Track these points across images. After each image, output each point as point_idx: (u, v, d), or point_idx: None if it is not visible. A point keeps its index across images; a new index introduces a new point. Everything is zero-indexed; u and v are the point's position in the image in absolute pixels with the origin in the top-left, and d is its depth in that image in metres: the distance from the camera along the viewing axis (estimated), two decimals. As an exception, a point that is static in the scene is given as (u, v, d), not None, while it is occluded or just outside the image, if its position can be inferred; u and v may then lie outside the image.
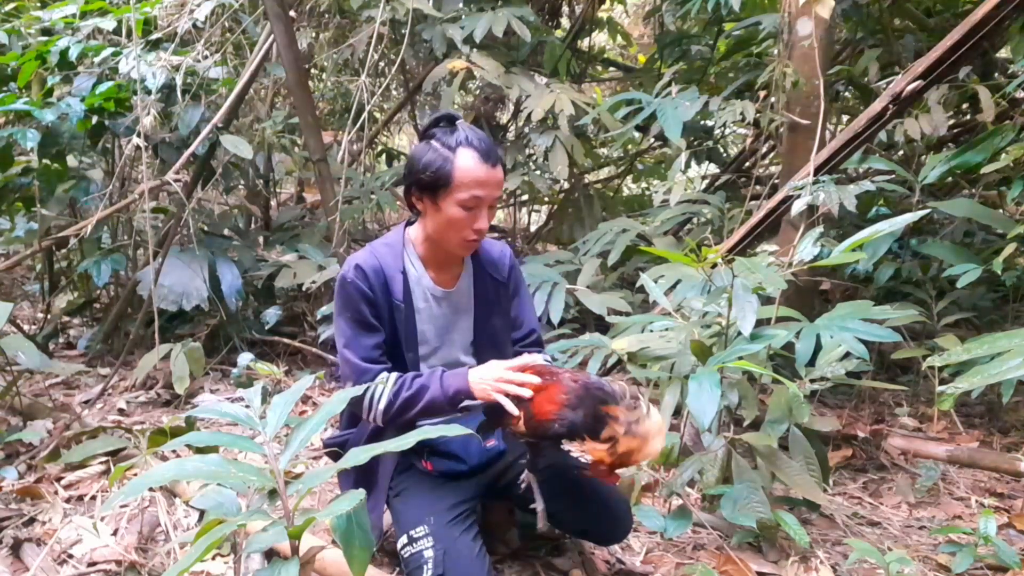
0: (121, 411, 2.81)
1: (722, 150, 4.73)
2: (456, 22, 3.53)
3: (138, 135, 2.82)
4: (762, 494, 1.89)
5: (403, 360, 1.69)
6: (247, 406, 1.24)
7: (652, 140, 4.68)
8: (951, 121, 3.52)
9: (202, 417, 2.43)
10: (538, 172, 3.82)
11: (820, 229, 1.98)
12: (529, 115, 3.50)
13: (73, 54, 2.98)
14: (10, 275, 4.30)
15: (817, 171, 2.49)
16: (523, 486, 1.63)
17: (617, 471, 1.47)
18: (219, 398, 2.94)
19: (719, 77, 4.51)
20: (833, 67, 3.03)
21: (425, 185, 1.60)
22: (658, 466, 2.25)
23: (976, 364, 1.33)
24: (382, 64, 4.48)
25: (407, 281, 1.69)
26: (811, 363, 2.11)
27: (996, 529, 1.86)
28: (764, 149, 4.21)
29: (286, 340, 3.46)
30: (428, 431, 1.10)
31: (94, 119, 3.07)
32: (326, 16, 4.14)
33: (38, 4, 3.69)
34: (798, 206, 2.39)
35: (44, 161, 3.10)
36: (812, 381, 2.09)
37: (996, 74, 3.52)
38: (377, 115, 5.12)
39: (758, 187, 3.42)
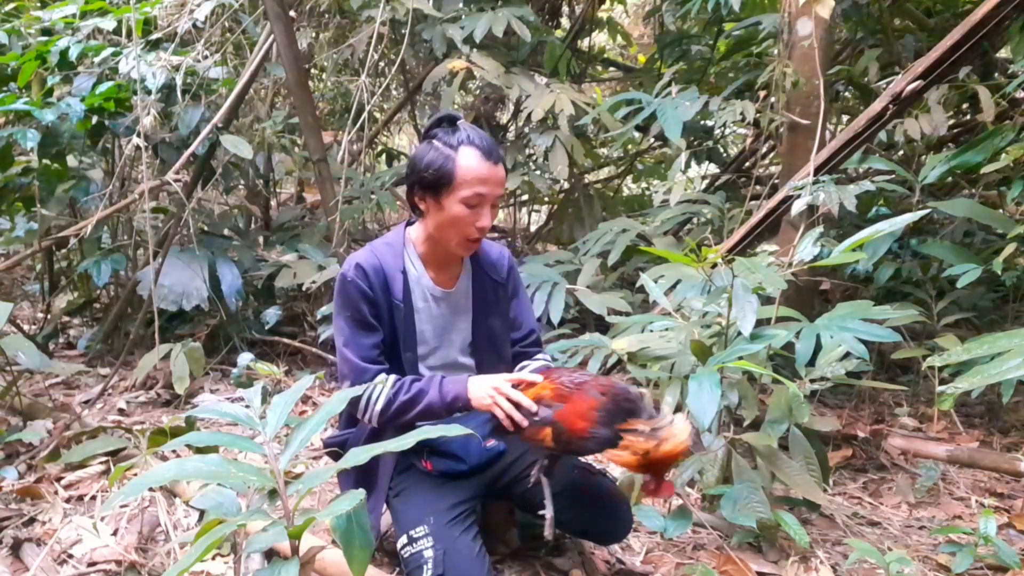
0: (121, 411, 2.81)
1: (722, 150, 4.73)
2: (456, 22, 3.53)
3: (138, 135, 2.82)
4: (762, 494, 1.89)
5: (400, 360, 1.69)
6: (247, 406, 1.24)
7: (652, 140, 4.68)
8: (951, 121, 3.52)
9: (202, 417, 2.43)
10: (538, 172, 3.82)
11: (820, 229, 1.98)
12: (529, 115, 3.50)
13: (73, 54, 2.98)
14: (10, 275, 4.30)
15: (817, 171, 2.49)
16: (532, 481, 1.63)
17: (664, 481, 1.48)
18: (219, 398, 2.94)
19: (719, 77, 4.51)
20: (833, 67, 3.03)
21: (428, 184, 1.60)
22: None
23: (976, 364, 1.33)
24: (382, 64, 4.49)
25: (407, 281, 1.69)
26: (811, 363, 2.10)
27: (996, 529, 1.86)
28: (764, 149, 4.21)
29: (286, 340, 3.46)
30: (428, 431, 1.10)
31: (94, 119, 3.07)
32: (326, 16, 4.14)
33: (38, 4, 3.69)
34: (798, 206, 2.39)
35: (44, 161, 3.10)
36: (812, 381, 2.09)
37: (996, 74, 3.52)
38: (377, 115, 5.12)
39: (758, 187, 3.42)
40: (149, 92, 2.90)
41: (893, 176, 2.83)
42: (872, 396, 3.10)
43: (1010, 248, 2.63)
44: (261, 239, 4.00)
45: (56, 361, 3.01)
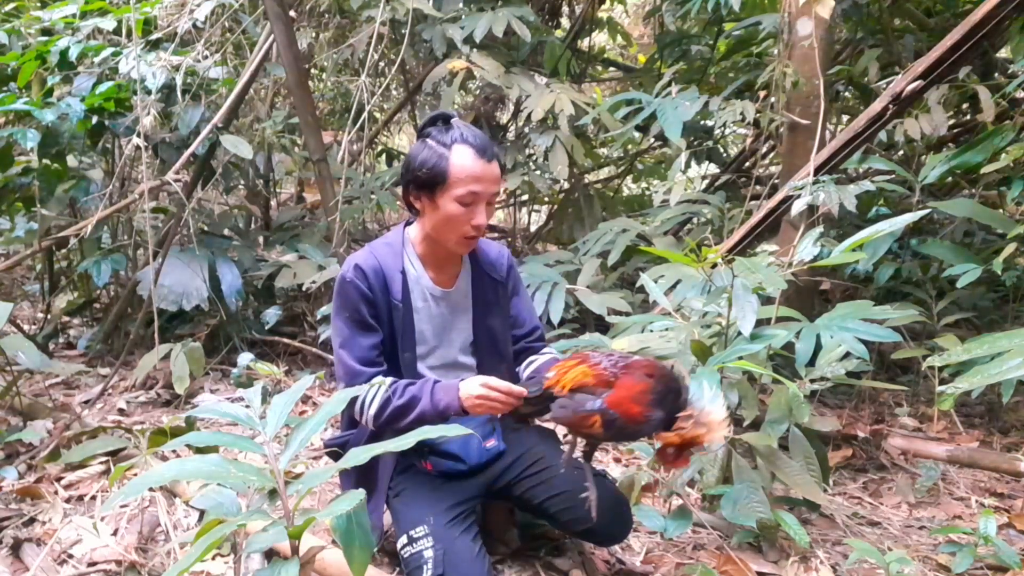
0: (121, 411, 2.81)
1: (722, 150, 4.73)
2: (456, 22, 3.53)
3: (138, 135, 2.82)
4: (762, 494, 1.89)
5: (399, 361, 1.69)
6: (247, 406, 1.24)
7: (652, 140, 4.68)
8: (951, 121, 3.52)
9: (202, 417, 2.43)
10: (538, 172, 3.82)
11: (820, 229, 1.98)
12: (529, 115, 3.49)
13: (73, 54, 2.97)
14: (10, 275, 4.29)
15: (817, 171, 2.49)
16: (562, 470, 1.64)
17: (685, 455, 1.48)
18: (219, 398, 2.94)
19: (719, 77, 4.51)
20: (833, 67, 3.03)
21: (422, 183, 1.60)
22: (658, 466, 2.25)
23: (976, 364, 1.33)
24: (382, 64, 4.48)
25: (406, 281, 1.69)
26: (811, 363, 2.10)
27: (996, 529, 1.86)
28: (764, 149, 4.20)
29: (286, 340, 3.46)
30: (428, 431, 1.10)
31: (94, 119, 3.07)
32: (326, 16, 4.14)
33: (38, 4, 3.69)
34: (798, 206, 2.39)
35: (44, 161, 3.10)
36: (812, 381, 2.09)
37: (996, 74, 3.52)
38: (377, 115, 5.12)
39: (758, 187, 3.42)
40: (149, 92, 2.90)
41: (893, 176, 2.83)
42: (872, 396, 3.10)
43: (1010, 248, 2.63)
44: (261, 239, 4.00)
45: (56, 361, 3.01)
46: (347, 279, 1.65)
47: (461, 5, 3.73)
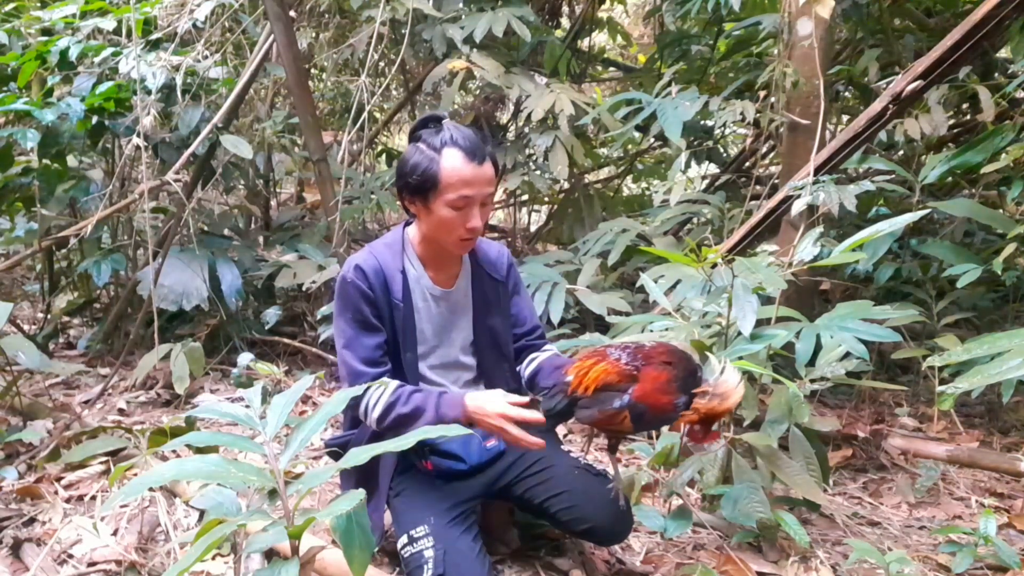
0: (121, 411, 2.81)
1: (722, 150, 4.73)
2: (456, 22, 3.53)
3: (138, 135, 2.82)
4: (762, 494, 1.89)
5: (401, 361, 1.69)
6: (247, 406, 1.24)
7: (652, 140, 4.68)
8: (951, 121, 3.52)
9: (202, 417, 2.42)
10: (538, 172, 3.82)
11: (820, 229, 1.98)
12: (529, 115, 3.49)
13: (73, 54, 2.97)
14: (10, 275, 4.29)
15: (817, 171, 2.49)
16: (582, 460, 1.71)
17: (713, 430, 1.52)
18: (219, 398, 2.94)
19: (719, 77, 4.51)
20: (833, 67, 3.03)
21: (414, 188, 1.60)
22: (657, 466, 2.25)
23: (976, 364, 1.33)
24: (382, 64, 4.48)
25: (406, 280, 1.69)
26: (811, 363, 2.10)
27: (996, 529, 1.86)
28: (764, 149, 4.21)
29: (286, 340, 3.46)
30: (428, 431, 1.11)
31: (94, 119, 3.07)
32: (326, 16, 4.14)
33: (38, 4, 3.69)
34: (798, 206, 2.39)
35: (44, 161, 3.10)
36: (812, 381, 2.09)
37: (996, 74, 3.52)
38: (377, 115, 5.12)
39: (758, 187, 3.43)
40: (149, 92, 2.90)
41: (893, 176, 2.83)
42: (872, 396, 3.10)
43: (1010, 248, 2.63)
44: (261, 239, 4.00)
45: (56, 361, 3.01)
46: (347, 280, 1.64)
47: (461, 5, 3.72)
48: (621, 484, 1.62)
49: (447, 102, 3.60)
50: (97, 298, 3.74)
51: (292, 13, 3.26)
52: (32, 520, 1.94)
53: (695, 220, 3.76)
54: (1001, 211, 3.15)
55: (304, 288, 3.21)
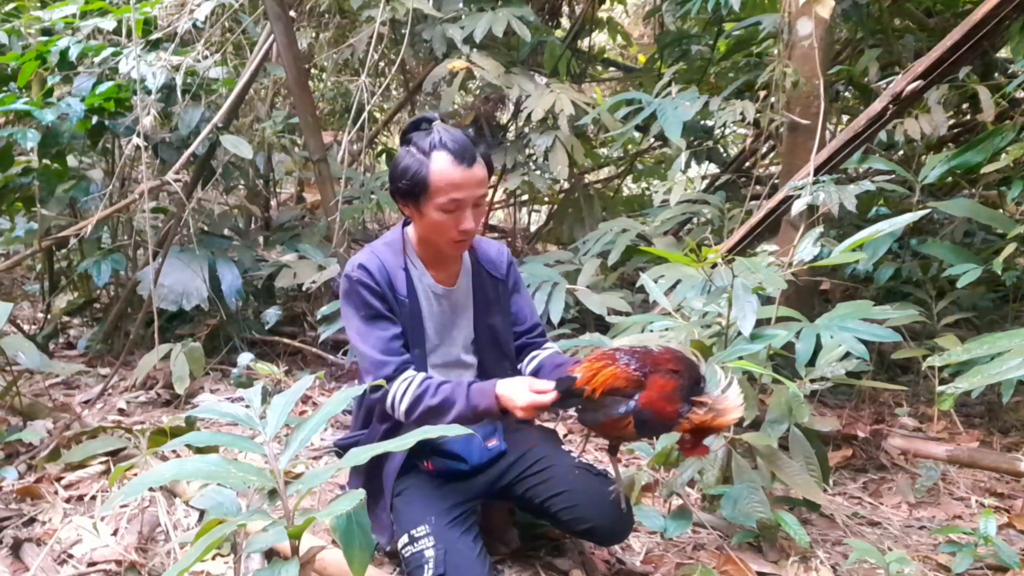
0: (121, 411, 2.81)
1: (722, 150, 4.73)
2: (456, 22, 3.53)
3: (138, 135, 2.82)
4: (762, 494, 1.89)
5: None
6: (247, 406, 1.24)
7: (652, 140, 4.68)
8: (951, 121, 3.52)
9: (202, 417, 2.42)
10: (538, 172, 3.82)
11: (820, 229, 1.98)
12: (529, 115, 3.49)
13: (73, 54, 2.97)
14: (10, 275, 4.29)
15: (817, 171, 2.49)
16: (579, 461, 1.71)
17: (704, 442, 1.52)
18: (219, 398, 2.94)
19: (719, 77, 4.51)
20: (833, 67, 3.03)
21: (405, 192, 1.60)
22: (657, 466, 2.25)
23: (976, 364, 1.33)
24: (382, 64, 4.48)
25: (410, 278, 1.69)
26: (811, 363, 2.10)
27: (996, 529, 1.86)
28: (764, 149, 4.21)
29: (286, 340, 3.46)
30: (428, 431, 1.11)
31: (94, 119, 3.07)
32: (326, 16, 4.14)
33: (38, 4, 3.69)
34: (798, 206, 2.39)
35: (44, 161, 3.10)
36: (812, 381, 2.09)
37: (996, 74, 3.52)
38: (377, 115, 5.12)
39: (758, 187, 3.43)
40: (149, 92, 2.89)
41: (893, 176, 2.83)
42: (872, 396, 3.10)
43: (1010, 248, 2.63)
44: (261, 239, 4.00)
45: (56, 361, 3.01)
46: (353, 279, 1.64)
47: (461, 5, 3.72)
48: (622, 486, 1.63)
49: (447, 102, 3.60)
50: (97, 298, 3.74)
51: (292, 13, 3.25)
52: (32, 520, 1.94)
53: (695, 220, 3.76)
54: (1001, 211, 3.15)
55: (304, 288, 3.21)
